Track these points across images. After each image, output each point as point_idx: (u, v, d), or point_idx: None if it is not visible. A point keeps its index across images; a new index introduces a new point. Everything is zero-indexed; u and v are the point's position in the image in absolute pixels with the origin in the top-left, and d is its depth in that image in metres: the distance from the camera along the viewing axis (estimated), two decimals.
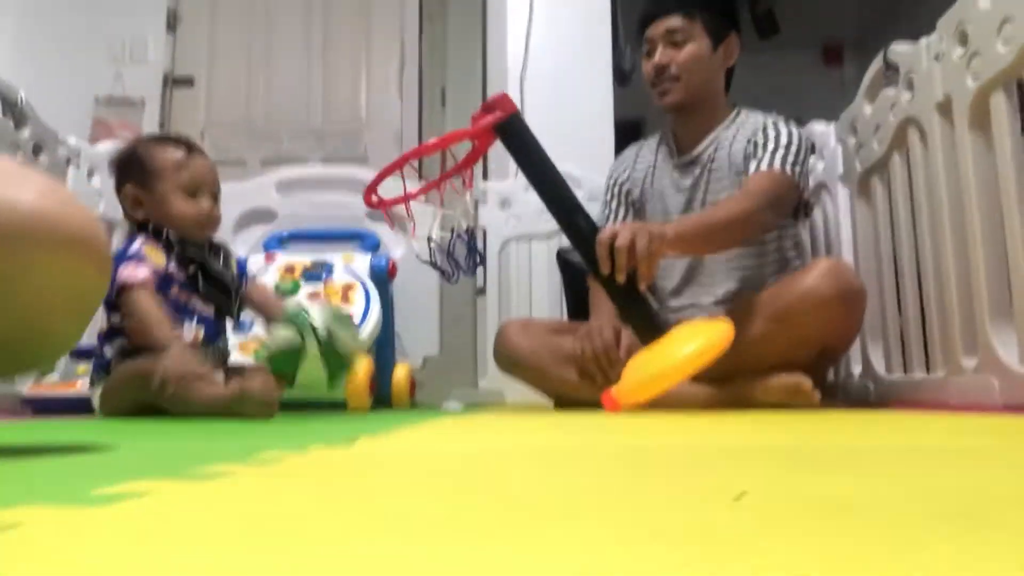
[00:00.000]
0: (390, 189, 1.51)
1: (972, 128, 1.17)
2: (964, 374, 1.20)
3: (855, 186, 1.60)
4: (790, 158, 1.50)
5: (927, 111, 1.30)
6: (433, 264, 1.60)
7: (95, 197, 1.90)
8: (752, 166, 1.51)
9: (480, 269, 2.21)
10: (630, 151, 1.81)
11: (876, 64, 1.48)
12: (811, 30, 5.57)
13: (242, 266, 1.54)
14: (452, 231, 1.54)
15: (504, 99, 1.42)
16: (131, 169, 1.38)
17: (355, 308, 1.83)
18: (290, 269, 1.92)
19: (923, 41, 1.31)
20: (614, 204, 1.76)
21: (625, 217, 1.74)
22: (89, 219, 0.65)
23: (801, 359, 1.39)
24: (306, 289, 1.88)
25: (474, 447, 0.68)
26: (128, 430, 0.94)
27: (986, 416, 1.02)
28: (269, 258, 1.98)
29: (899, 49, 1.40)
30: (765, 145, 1.52)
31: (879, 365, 1.52)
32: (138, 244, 1.33)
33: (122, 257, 1.31)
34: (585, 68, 2.53)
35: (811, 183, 1.79)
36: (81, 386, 1.58)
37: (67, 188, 0.66)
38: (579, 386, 1.53)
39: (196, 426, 0.97)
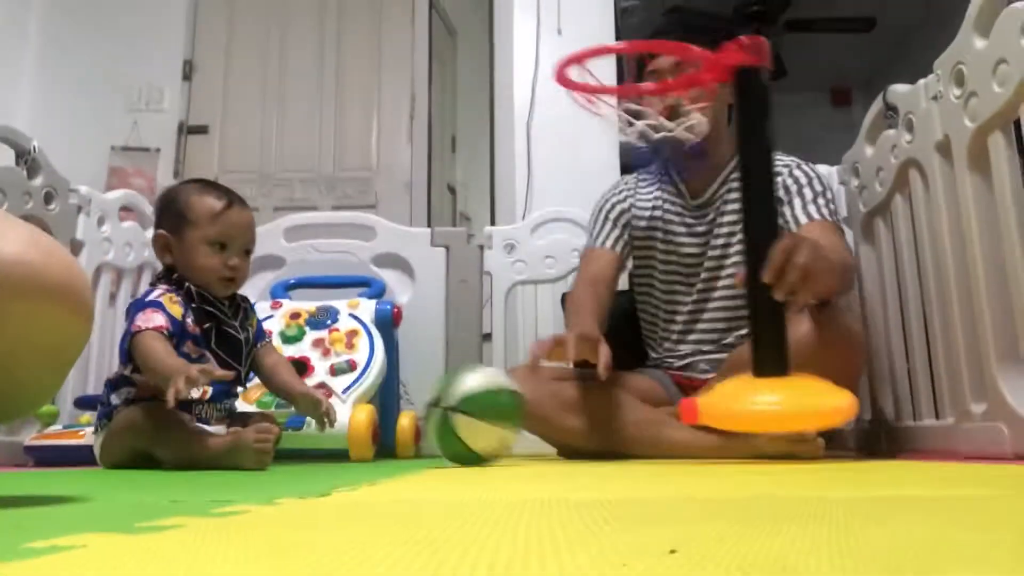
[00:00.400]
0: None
1: (972, 168, 1.16)
2: (973, 420, 1.16)
3: (859, 228, 1.59)
4: (831, 206, 1.47)
5: (927, 152, 1.29)
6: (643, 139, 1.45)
7: (104, 244, 1.92)
8: (796, 214, 1.46)
9: (487, 312, 2.20)
10: (627, 181, 1.73)
11: (876, 106, 1.47)
12: (820, 72, 5.61)
13: (259, 324, 1.50)
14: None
15: (763, 47, 1.22)
16: (167, 213, 1.37)
17: (359, 354, 1.82)
18: (295, 315, 1.92)
19: (921, 82, 1.30)
20: (608, 227, 1.67)
21: (618, 240, 1.65)
22: (73, 270, 0.66)
23: None
24: (311, 335, 1.88)
25: (446, 499, 0.66)
26: (111, 480, 0.93)
27: (992, 465, 0.98)
28: (275, 305, 1.98)
29: (898, 90, 1.40)
30: (800, 191, 1.48)
31: (888, 412, 1.48)
32: (157, 293, 1.31)
33: (139, 304, 1.29)
34: (591, 114, 2.54)
35: None
36: (86, 436, 1.58)
37: (52, 238, 0.66)
38: (582, 435, 1.50)
39: (182, 477, 0.96)
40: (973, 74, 1.14)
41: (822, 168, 1.75)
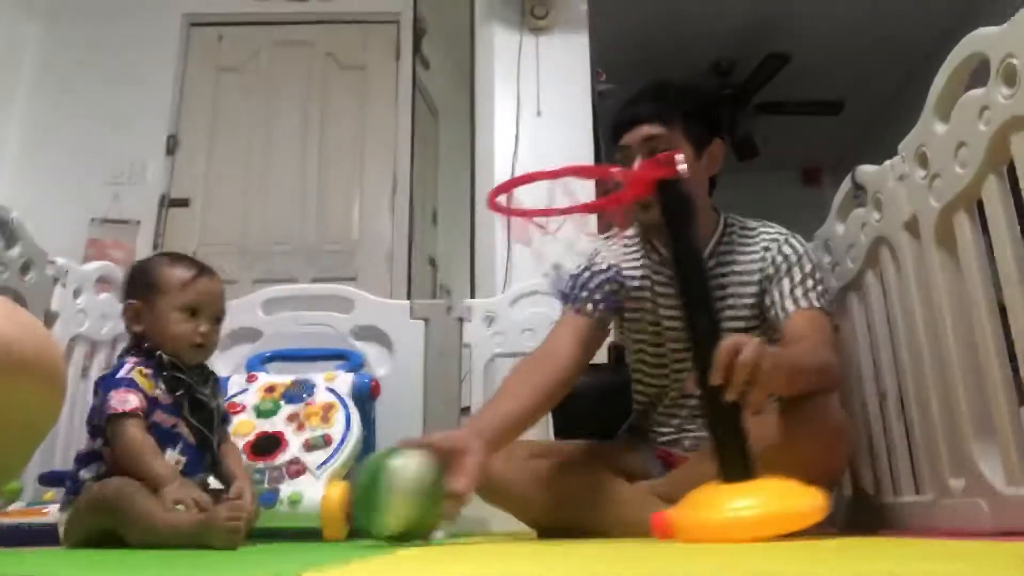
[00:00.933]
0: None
1: (939, 247, 1.19)
2: (953, 496, 1.16)
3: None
4: (820, 287, 1.42)
5: (896, 230, 1.32)
6: (557, 290, 1.49)
7: (79, 315, 1.90)
8: (784, 300, 1.42)
9: (465, 386, 2.19)
10: (612, 242, 1.62)
11: (845, 185, 1.51)
12: (791, 153, 5.80)
13: (223, 405, 1.50)
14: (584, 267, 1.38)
15: (676, 159, 1.27)
16: (137, 283, 1.40)
17: (335, 429, 1.79)
18: (270, 389, 1.90)
19: (887, 163, 1.35)
20: (599, 280, 1.55)
21: (604, 315, 1.54)
22: (47, 344, 0.65)
23: None
24: (286, 409, 1.85)
25: None
26: (73, 561, 0.89)
27: (972, 541, 0.97)
28: (251, 378, 1.95)
29: (866, 171, 1.44)
30: (790, 271, 1.44)
31: (868, 488, 1.47)
32: (127, 368, 1.31)
33: (111, 381, 1.29)
34: (569, 191, 2.60)
35: None
36: (50, 514, 1.52)
37: (28, 313, 0.66)
38: (561, 514, 1.46)
39: (147, 557, 0.93)
40: (935, 156, 1.18)
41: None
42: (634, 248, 1.59)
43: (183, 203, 3.38)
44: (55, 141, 3.39)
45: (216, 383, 1.47)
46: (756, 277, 1.48)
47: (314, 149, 3.48)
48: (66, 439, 1.87)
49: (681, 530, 1.09)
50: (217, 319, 1.42)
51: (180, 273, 1.38)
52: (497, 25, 2.89)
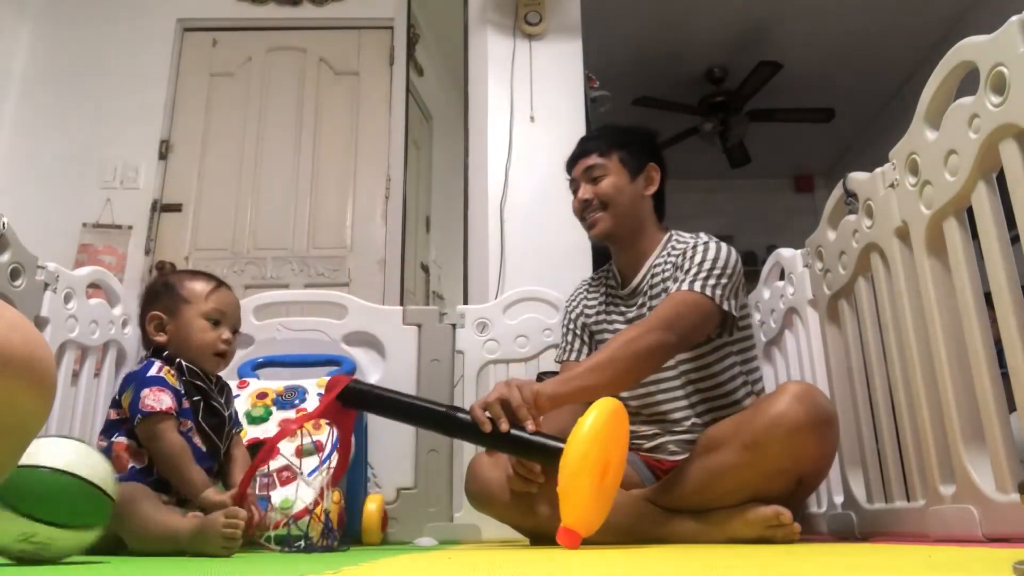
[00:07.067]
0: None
1: (930, 253, 1.20)
2: (944, 502, 1.16)
3: (824, 310, 1.61)
4: (702, 275, 1.52)
5: (887, 237, 1.32)
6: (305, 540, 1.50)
7: (70, 321, 1.89)
8: (673, 285, 1.55)
9: (458, 392, 2.18)
10: (581, 286, 1.87)
11: (837, 192, 1.52)
12: (784, 160, 5.82)
13: (236, 411, 1.54)
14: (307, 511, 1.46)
15: (338, 379, 1.47)
16: (161, 295, 1.46)
17: (326, 435, 1.79)
18: (262, 395, 1.89)
19: (878, 171, 1.35)
20: (570, 337, 1.80)
21: (581, 349, 1.77)
22: (36, 343, 0.64)
23: (778, 490, 1.35)
24: (278, 416, 1.85)
25: None
26: (58, 572, 0.88)
27: (963, 548, 0.97)
28: (242, 384, 1.95)
29: (857, 178, 1.45)
30: (683, 267, 1.57)
31: (860, 494, 1.47)
32: (157, 367, 1.37)
33: (144, 378, 1.34)
34: (562, 197, 2.60)
35: (781, 307, 1.80)
36: None
37: (16, 311, 0.65)
38: (553, 522, 1.46)
39: (138, 566, 0.92)
40: (926, 164, 1.19)
41: (785, 252, 1.80)
42: (598, 280, 1.82)
43: (175, 208, 3.36)
44: (46, 145, 3.38)
45: (229, 392, 1.52)
46: (670, 271, 1.61)
47: (307, 155, 3.48)
48: None
49: (576, 525, 1.14)
50: (235, 330, 1.47)
51: (202, 284, 1.45)
52: (491, 31, 2.89)
